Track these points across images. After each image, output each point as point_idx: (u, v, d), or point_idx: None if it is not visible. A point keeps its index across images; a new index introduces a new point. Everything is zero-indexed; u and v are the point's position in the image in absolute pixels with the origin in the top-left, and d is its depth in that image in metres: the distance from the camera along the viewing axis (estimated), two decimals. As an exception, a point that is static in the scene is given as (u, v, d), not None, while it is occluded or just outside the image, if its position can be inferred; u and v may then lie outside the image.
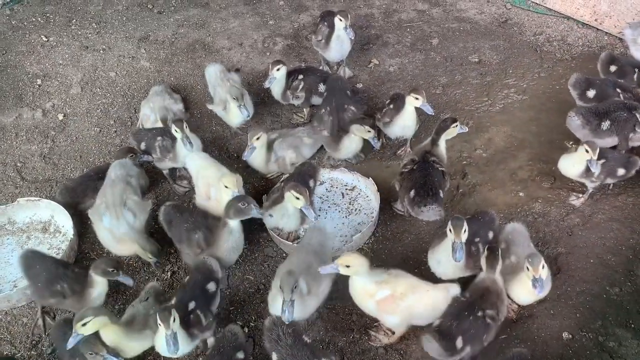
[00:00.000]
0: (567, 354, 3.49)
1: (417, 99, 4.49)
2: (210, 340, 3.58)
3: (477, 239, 3.66)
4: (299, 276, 3.33)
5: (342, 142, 4.69)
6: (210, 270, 3.62)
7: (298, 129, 5.00)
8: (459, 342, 3.22)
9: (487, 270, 3.43)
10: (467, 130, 4.36)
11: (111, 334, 3.31)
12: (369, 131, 4.52)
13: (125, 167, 4.26)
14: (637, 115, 4.31)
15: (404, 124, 4.69)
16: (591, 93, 4.66)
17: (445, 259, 3.56)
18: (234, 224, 3.76)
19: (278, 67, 4.92)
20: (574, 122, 4.42)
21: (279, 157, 4.68)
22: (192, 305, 3.41)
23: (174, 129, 4.36)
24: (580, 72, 4.85)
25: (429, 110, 4.48)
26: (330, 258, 3.59)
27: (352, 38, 5.25)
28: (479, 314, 3.28)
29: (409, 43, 6.09)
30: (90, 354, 3.15)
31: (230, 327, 3.43)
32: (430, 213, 3.95)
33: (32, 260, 3.70)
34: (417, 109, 4.60)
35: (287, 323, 3.23)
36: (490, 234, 3.77)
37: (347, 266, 3.34)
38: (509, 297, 3.56)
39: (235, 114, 4.88)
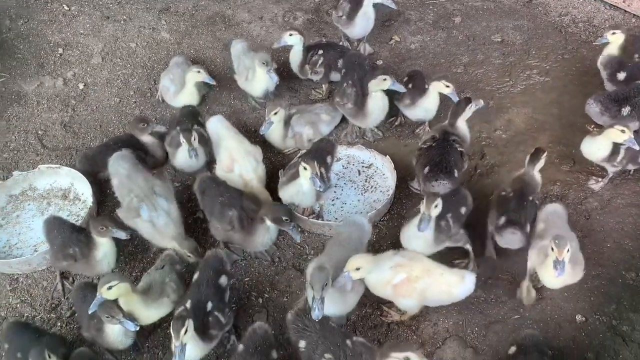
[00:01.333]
0: (580, 337, 3.50)
1: (447, 86, 4.47)
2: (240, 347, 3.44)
3: (448, 214, 3.66)
4: (332, 272, 3.24)
5: (366, 107, 4.56)
6: (221, 263, 3.55)
7: (316, 105, 4.99)
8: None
9: (528, 166, 3.90)
10: (483, 104, 4.27)
11: (129, 301, 3.37)
12: (385, 79, 4.40)
13: (127, 157, 4.11)
14: None
15: (426, 108, 4.65)
16: (622, 75, 4.56)
17: (414, 234, 3.58)
18: (272, 225, 3.73)
19: (291, 32, 4.90)
20: (593, 109, 4.36)
21: (296, 133, 4.69)
22: (209, 306, 3.33)
23: (181, 139, 4.16)
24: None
25: (454, 97, 4.43)
26: None
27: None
28: (530, 198, 3.76)
29: (431, 21, 6.00)
30: (107, 317, 3.21)
31: (258, 324, 3.31)
32: (440, 187, 3.90)
33: (52, 225, 3.81)
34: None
35: (316, 320, 3.15)
36: (463, 209, 3.77)
37: (357, 269, 3.31)
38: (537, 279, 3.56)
39: (260, 80, 4.86)
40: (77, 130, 5.03)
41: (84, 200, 4.46)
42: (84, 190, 4.45)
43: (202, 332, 3.22)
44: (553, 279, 3.37)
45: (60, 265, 3.79)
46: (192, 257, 3.81)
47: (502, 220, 3.70)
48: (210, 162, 4.40)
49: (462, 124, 4.20)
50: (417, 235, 3.57)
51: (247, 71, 4.94)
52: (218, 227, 3.86)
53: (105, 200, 4.48)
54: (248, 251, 4.03)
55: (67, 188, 4.55)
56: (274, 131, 4.63)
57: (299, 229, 3.72)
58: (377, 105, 4.55)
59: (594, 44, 5.12)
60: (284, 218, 3.62)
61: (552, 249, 3.24)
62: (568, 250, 3.23)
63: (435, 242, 3.65)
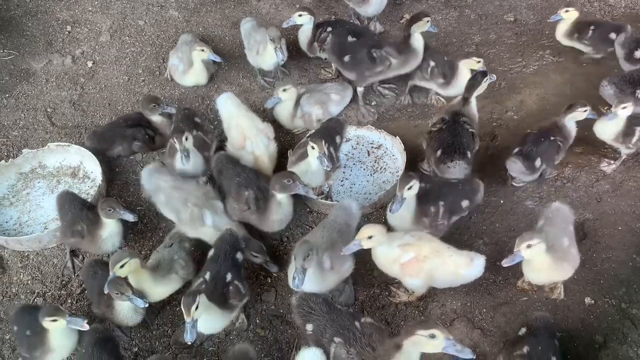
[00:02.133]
0: (589, 319, 3.49)
1: (478, 62, 4.54)
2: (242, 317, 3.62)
3: (441, 202, 3.65)
4: (318, 248, 3.31)
5: None
6: (236, 241, 3.59)
7: (326, 84, 4.94)
8: (538, 162, 3.90)
9: (562, 114, 4.05)
10: (495, 78, 4.29)
11: (138, 278, 3.39)
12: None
13: (161, 170, 3.97)
14: None
15: (460, 85, 4.56)
16: (639, 53, 4.50)
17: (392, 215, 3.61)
18: (282, 197, 3.68)
19: (301, 12, 4.84)
20: (607, 91, 4.30)
21: (305, 113, 4.65)
22: (229, 277, 3.38)
23: (172, 140, 4.01)
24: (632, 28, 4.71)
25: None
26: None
27: None
28: (552, 138, 3.94)
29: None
30: (117, 294, 3.24)
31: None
32: (457, 170, 3.90)
33: (64, 201, 3.84)
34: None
35: (296, 290, 3.22)
36: (465, 203, 3.73)
37: (370, 237, 3.33)
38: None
39: (270, 54, 4.83)
40: (86, 109, 5.02)
41: (93, 179, 4.47)
42: (93, 168, 4.46)
43: (223, 302, 3.27)
44: (533, 273, 3.39)
45: (68, 241, 3.82)
46: (259, 257, 3.69)
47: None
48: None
49: (473, 102, 4.16)
50: (399, 215, 3.58)
51: (258, 45, 4.90)
52: (235, 207, 3.85)
53: (114, 178, 4.49)
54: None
55: (76, 166, 4.56)
56: (282, 110, 4.60)
57: (310, 187, 3.71)
58: None
59: (548, 21, 5.12)
60: (286, 181, 3.60)
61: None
62: (529, 246, 3.21)
63: (414, 224, 3.64)
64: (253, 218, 3.82)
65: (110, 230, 3.72)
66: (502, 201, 4.14)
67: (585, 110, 4.03)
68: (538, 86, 4.92)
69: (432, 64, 4.70)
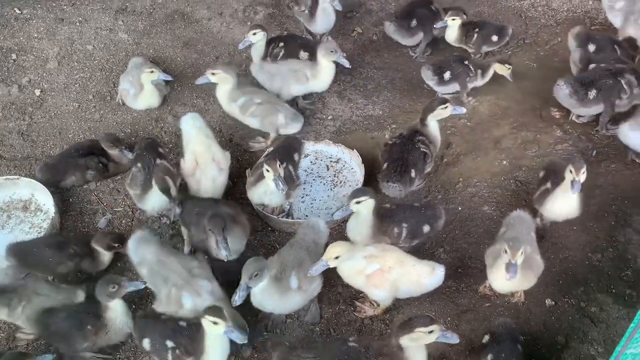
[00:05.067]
0: (550, 320, 3.55)
1: (509, 68, 4.80)
2: None
3: (404, 224, 3.69)
4: (268, 269, 3.29)
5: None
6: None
7: (284, 105, 4.72)
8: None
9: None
10: (465, 111, 4.27)
11: None
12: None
13: (150, 239, 3.69)
14: (622, 82, 4.30)
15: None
16: (592, 47, 4.69)
17: (353, 227, 3.69)
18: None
19: (255, 31, 4.81)
20: (562, 91, 4.40)
21: (245, 117, 4.63)
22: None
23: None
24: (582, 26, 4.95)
25: (510, 78, 4.84)
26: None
27: (339, 9, 5.18)
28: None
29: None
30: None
31: None
32: (390, 191, 4.02)
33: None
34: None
35: (233, 305, 3.21)
36: (426, 228, 3.75)
37: (336, 257, 3.33)
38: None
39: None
40: (35, 139, 4.87)
41: (45, 211, 4.33)
42: (45, 200, 4.33)
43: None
44: (502, 282, 3.35)
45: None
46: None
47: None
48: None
49: (432, 124, 4.19)
50: (357, 230, 3.64)
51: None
52: (194, 235, 3.80)
53: (68, 209, 4.37)
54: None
55: (27, 199, 4.42)
56: (220, 93, 4.60)
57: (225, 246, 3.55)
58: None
59: (434, 26, 5.22)
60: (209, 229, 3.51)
61: (506, 251, 3.17)
62: (522, 253, 3.18)
63: (373, 239, 3.66)
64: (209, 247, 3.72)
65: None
66: (460, 208, 4.19)
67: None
68: (489, 92, 5.00)
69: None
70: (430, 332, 2.86)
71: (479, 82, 4.89)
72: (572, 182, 3.45)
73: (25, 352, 3.42)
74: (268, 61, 5.01)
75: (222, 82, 4.54)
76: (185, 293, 3.38)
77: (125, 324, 3.43)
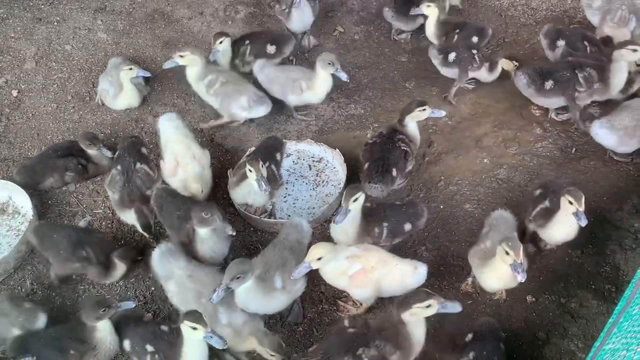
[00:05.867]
0: (531, 316, 3.59)
1: (515, 65, 4.92)
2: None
3: (385, 224, 3.69)
4: (252, 272, 3.27)
5: None
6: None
7: (249, 86, 4.75)
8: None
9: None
10: (444, 114, 4.24)
11: None
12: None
13: (176, 253, 3.58)
14: (579, 75, 4.38)
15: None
16: (561, 43, 4.75)
17: (335, 226, 3.64)
18: (204, 232, 3.54)
19: (220, 39, 4.80)
20: (521, 81, 4.53)
21: (210, 97, 4.68)
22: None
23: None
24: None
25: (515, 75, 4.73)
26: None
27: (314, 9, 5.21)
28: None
29: (374, 10, 5.98)
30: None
31: None
32: (372, 191, 4.02)
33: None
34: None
35: (212, 303, 3.18)
36: (407, 226, 3.76)
37: (319, 259, 3.31)
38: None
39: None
40: (12, 140, 4.80)
41: (23, 214, 4.26)
42: (24, 203, 4.26)
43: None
44: (494, 281, 3.38)
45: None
46: (276, 357, 3.25)
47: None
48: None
49: (411, 124, 4.20)
50: (342, 230, 3.62)
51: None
52: (175, 239, 3.76)
53: (47, 211, 4.31)
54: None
55: (5, 202, 4.35)
56: (190, 73, 4.65)
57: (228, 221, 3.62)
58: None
59: (411, 14, 5.18)
60: (203, 215, 3.45)
61: (507, 252, 3.15)
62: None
63: (357, 240, 3.65)
64: (193, 249, 3.68)
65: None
66: (441, 206, 4.21)
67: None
68: (470, 91, 5.04)
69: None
70: (428, 306, 2.95)
71: (485, 76, 4.89)
72: (576, 214, 3.33)
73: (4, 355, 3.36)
74: (237, 62, 5.03)
75: (191, 63, 4.56)
76: (221, 308, 3.28)
77: (115, 343, 3.37)
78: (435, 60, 4.91)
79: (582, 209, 3.34)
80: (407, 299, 3.01)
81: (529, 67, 4.59)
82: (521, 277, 3.12)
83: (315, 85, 4.63)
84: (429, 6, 5.05)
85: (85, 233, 3.84)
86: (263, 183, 3.74)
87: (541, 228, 3.65)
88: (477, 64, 4.80)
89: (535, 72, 4.49)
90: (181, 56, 4.51)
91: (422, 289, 3.15)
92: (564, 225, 3.50)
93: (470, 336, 3.24)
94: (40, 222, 3.84)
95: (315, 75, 4.60)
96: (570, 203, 3.35)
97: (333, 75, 4.56)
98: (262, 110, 4.63)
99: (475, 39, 5.10)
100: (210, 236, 3.57)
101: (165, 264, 3.49)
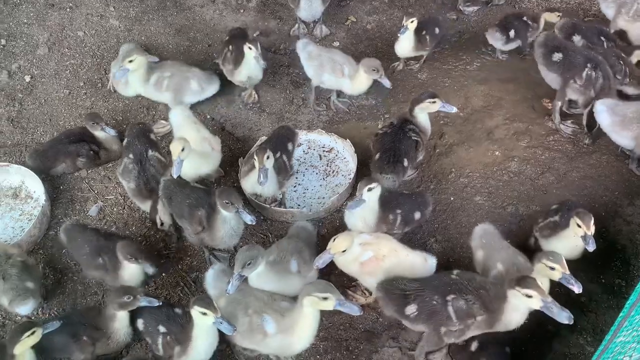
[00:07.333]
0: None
1: (558, 15, 5.06)
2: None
3: (398, 210, 3.71)
4: (263, 256, 3.28)
5: None
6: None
7: (194, 70, 4.75)
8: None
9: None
10: (455, 110, 4.15)
11: None
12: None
13: (229, 275, 3.44)
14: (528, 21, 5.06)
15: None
16: (557, 56, 4.46)
17: (351, 214, 3.67)
18: (226, 213, 3.53)
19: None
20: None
21: (155, 93, 4.66)
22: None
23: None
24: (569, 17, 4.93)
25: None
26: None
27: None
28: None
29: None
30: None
31: None
32: (384, 182, 4.00)
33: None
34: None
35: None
36: (417, 215, 3.80)
37: (344, 251, 3.30)
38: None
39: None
40: (25, 125, 4.83)
41: (36, 199, 4.30)
42: (36, 187, 4.30)
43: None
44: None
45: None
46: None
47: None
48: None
49: (421, 115, 4.17)
50: (356, 216, 3.65)
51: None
52: (188, 228, 3.75)
53: (59, 196, 4.34)
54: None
55: (17, 186, 4.38)
56: (135, 78, 4.56)
57: (249, 211, 3.52)
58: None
59: (399, 35, 4.88)
60: (225, 202, 3.46)
61: (578, 225, 3.25)
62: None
63: (376, 228, 3.68)
64: (206, 238, 3.69)
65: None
66: (452, 198, 4.21)
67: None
68: (482, 83, 5.02)
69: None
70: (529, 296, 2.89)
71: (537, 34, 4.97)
72: (585, 238, 3.26)
73: (33, 320, 3.36)
74: (313, 40, 5.07)
75: (139, 66, 4.47)
76: (266, 316, 3.19)
77: (128, 335, 3.39)
78: (499, 42, 5.10)
79: (590, 232, 3.26)
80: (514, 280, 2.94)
81: (496, 25, 5.04)
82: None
83: (355, 80, 4.63)
84: (412, 21, 4.76)
85: (106, 238, 3.67)
86: (262, 175, 3.73)
87: (545, 239, 3.60)
88: (531, 28, 5.11)
89: (500, 25, 5.02)
90: (130, 61, 4.37)
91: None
92: (568, 243, 3.43)
93: (475, 345, 3.28)
94: (69, 223, 3.78)
95: (357, 73, 4.58)
96: (579, 226, 3.29)
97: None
98: (213, 89, 4.75)
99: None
100: (232, 216, 3.56)
101: (217, 283, 3.46)
